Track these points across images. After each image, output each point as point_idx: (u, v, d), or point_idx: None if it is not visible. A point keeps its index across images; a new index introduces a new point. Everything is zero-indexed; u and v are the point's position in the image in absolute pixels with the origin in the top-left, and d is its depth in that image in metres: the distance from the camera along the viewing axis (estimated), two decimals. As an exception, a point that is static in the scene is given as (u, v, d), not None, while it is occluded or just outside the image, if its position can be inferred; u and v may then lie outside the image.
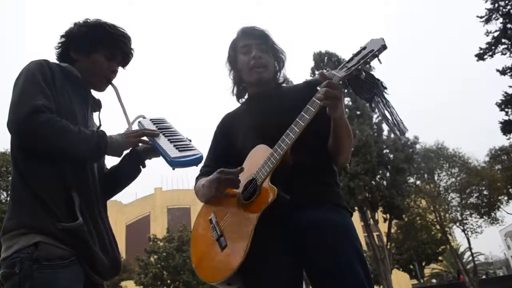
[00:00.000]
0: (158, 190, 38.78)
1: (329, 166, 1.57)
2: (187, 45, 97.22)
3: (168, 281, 20.94)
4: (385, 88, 1.36)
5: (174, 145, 1.41)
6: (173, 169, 1.37)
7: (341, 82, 1.35)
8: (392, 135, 17.70)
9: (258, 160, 1.46)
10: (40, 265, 1.14)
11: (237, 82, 1.77)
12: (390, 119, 1.37)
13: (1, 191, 17.26)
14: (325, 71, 1.38)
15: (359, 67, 1.30)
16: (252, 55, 1.64)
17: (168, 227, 24.79)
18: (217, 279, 1.41)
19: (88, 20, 1.51)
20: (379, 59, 1.28)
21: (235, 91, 1.79)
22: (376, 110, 1.39)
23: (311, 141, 1.47)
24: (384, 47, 1.27)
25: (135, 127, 1.56)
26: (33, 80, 1.27)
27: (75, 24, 1.51)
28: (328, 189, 1.51)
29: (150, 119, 1.62)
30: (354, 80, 1.35)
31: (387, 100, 1.37)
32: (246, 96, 1.80)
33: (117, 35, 1.52)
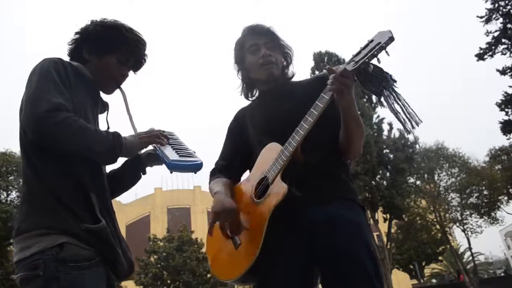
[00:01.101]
0: (158, 190, 38.71)
1: (341, 161, 1.56)
2: (186, 44, 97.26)
3: (168, 281, 20.92)
4: (395, 81, 1.34)
5: (176, 151, 1.41)
6: (171, 172, 1.37)
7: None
8: (393, 135, 17.83)
9: (269, 158, 1.47)
10: (66, 266, 1.11)
11: (246, 81, 1.77)
12: (402, 112, 1.35)
13: (1, 191, 17.25)
14: (333, 67, 1.37)
15: (366, 60, 1.28)
16: (261, 54, 1.63)
17: (168, 227, 24.77)
18: (232, 277, 1.44)
19: (106, 20, 1.49)
20: (386, 52, 1.26)
21: (244, 90, 1.79)
22: (385, 104, 1.37)
23: (322, 136, 1.47)
24: (391, 39, 1.25)
25: None
26: (49, 77, 1.25)
27: (91, 22, 1.48)
28: (340, 184, 1.51)
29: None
30: (362, 74, 1.34)
31: (398, 93, 1.35)
32: (256, 93, 1.80)
33: (133, 39, 1.50)
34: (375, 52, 1.26)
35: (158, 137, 1.42)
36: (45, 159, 1.23)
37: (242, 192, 1.56)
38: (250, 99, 1.80)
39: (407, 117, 1.35)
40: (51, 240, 1.13)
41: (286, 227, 1.41)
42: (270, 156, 1.46)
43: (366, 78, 1.34)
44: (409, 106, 1.35)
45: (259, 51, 1.64)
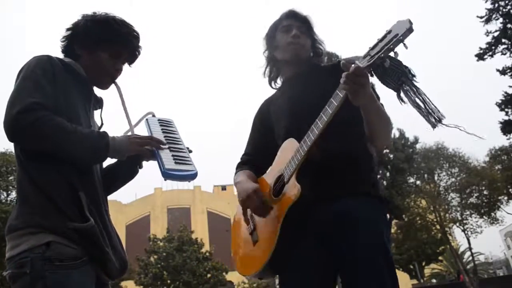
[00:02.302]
0: (158, 190, 38.75)
1: (362, 154, 1.50)
2: (190, 44, 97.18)
3: (168, 281, 20.93)
4: (414, 76, 1.29)
5: (173, 155, 1.36)
6: (165, 179, 1.33)
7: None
8: (393, 135, 17.80)
9: (286, 155, 1.46)
10: (52, 265, 1.11)
11: (270, 61, 1.75)
12: (423, 107, 1.30)
13: (1, 191, 17.24)
14: (345, 61, 1.29)
15: (382, 55, 1.19)
16: (292, 34, 1.63)
17: (168, 227, 24.79)
18: (249, 273, 1.49)
19: (96, 14, 1.46)
20: (404, 44, 1.16)
21: (267, 72, 1.78)
22: (406, 100, 1.31)
23: (339, 131, 1.40)
24: (409, 31, 1.13)
25: (142, 124, 1.53)
26: (31, 77, 1.23)
27: (82, 16, 1.46)
28: (358, 179, 1.45)
29: (158, 119, 1.58)
30: (380, 69, 1.28)
31: (418, 88, 1.29)
32: (279, 81, 1.79)
33: (124, 32, 1.46)
34: (391, 46, 1.16)
35: (150, 143, 1.37)
36: (32, 158, 1.22)
37: (263, 186, 1.56)
38: (274, 85, 1.79)
39: (429, 112, 1.29)
40: (39, 239, 1.13)
41: (301, 226, 1.41)
42: (287, 153, 1.46)
43: (384, 72, 1.29)
44: (431, 102, 1.29)
45: (290, 31, 1.64)
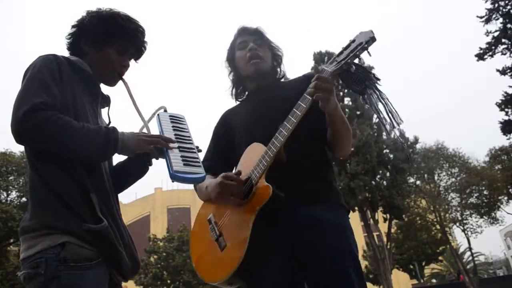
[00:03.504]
0: (158, 190, 38.73)
1: (325, 162, 1.56)
2: (186, 45, 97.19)
3: (168, 281, 20.94)
4: (378, 79, 1.35)
5: (182, 156, 1.34)
6: (172, 181, 1.31)
7: (331, 76, 1.34)
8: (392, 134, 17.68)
9: (253, 158, 1.46)
10: (66, 265, 1.11)
11: (236, 82, 1.77)
12: (383, 111, 1.35)
13: (1, 191, 17.23)
14: (318, 65, 1.37)
15: (349, 60, 1.29)
16: (248, 48, 1.66)
17: (168, 227, 24.79)
18: (218, 279, 1.42)
19: (101, 10, 1.45)
20: (368, 52, 1.26)
21: (233, 92, 1.79)
22: (368, 103, 1.37)
23: (305, 137, 1.46)
24: (373, 39, 1.25)
25: (153, 119, 1.51)
26: (37, 77, 1.22)
27: (87, 13, 1.45)
28: (324, 186, 1.50)
29: (169, 115, 1.55)
30: (345, 74, 1.34)
31: (381, 92, 1.35)
32: (245, 95, 1.81)
33: (130, 28, 1.46)
34: (357, 53, 1.27)
35: (159, 142, 1.33)
36: (43, 160, 1.22)
37: None
38: (239, 100, 1.81)
39: (388, 116, 1.35)
40: (53, 240, 1.13)
41: (270, 227, 1.40)
42: (254, 156, 1.46)
43: (348, 77, 1.35)
44: (391, 105, 1.35)
45: (247, 46, 1.68)
